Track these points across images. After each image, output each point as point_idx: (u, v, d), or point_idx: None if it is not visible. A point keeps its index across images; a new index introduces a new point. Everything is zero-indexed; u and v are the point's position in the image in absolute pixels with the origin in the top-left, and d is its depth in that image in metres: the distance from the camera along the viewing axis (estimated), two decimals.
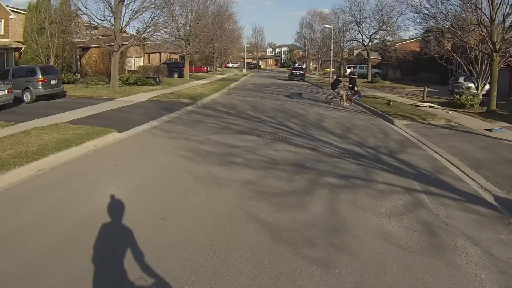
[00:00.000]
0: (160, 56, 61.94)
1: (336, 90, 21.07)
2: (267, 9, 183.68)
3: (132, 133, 10.89)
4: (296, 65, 50.53)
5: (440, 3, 18.34)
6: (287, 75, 50.74)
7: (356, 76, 24.14)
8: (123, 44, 24.08)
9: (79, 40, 27.90)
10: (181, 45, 39.46)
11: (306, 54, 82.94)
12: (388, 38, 40.57)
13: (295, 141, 10.31)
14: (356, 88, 22.17)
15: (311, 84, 39.42)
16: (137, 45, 29.64)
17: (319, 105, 20.05)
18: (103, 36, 31.74)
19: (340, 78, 22.01)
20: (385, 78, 44.13)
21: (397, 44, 44.51)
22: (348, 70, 53.11)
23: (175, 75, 42.03)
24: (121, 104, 16.67)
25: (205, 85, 30.29)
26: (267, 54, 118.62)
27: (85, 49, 33.78)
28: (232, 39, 69.39)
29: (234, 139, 10.28)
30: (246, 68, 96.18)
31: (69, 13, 23.92)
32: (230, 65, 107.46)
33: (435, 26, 21.14)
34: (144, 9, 22.49)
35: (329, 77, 42.69)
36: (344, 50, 64.09)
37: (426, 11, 19.51)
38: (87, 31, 34.88)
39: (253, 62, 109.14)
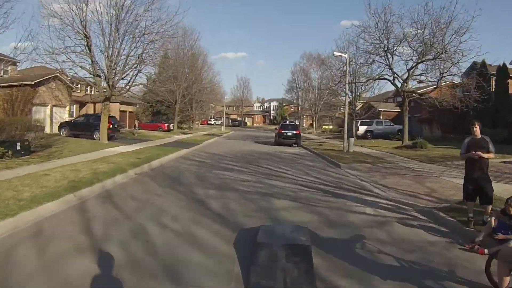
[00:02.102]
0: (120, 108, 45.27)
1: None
2: (260, 68, 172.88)
3: None
4: (287, 122, 33.97)
5: None
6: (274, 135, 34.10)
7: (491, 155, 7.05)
8: None
9: None
10: (97, 83, 22.92)
11: (299, 108, 67.45)
12: (444, 73, 24.02)
13: None
14: None
15: (312, 154, 22.38)
16: None
17: None
18: None
19: None
20: (415, 137, 27.25)
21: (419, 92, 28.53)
22: (362, 128, 36.73)
23: (97, 134, 24.86)
24: None
25: (104, 160, 13.70)
26: (254, 109, 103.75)
27: None
28: (207, 86, 53.90)
29: None
30: (228, 125, 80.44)
31: None
32: (212, 121, 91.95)
33: None
34: None
35: (340, 138, 25.95)
36: (345, 101, 48.64)
37: None
38: None
39: (238, 118, 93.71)
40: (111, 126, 25.05)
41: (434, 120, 32.47)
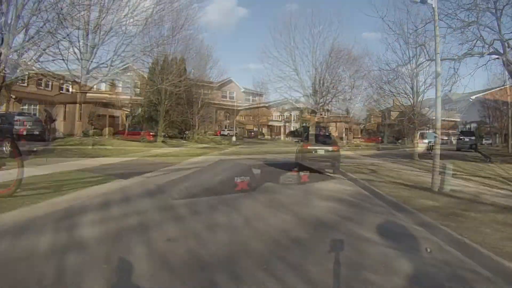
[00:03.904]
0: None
1: None
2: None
3: None
4: (318, 131, 20.61)
5: None
6: (294, 149, 19.88)
7: None
8: None
9: None
10: None
11: (323, 115, 53.17)
12: None
13: None
14: None
15: (388, 207, 8.83)
16: None
17: None
18: None
19: None
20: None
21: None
22: (424, 142, 23.17)
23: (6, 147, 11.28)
24: None
25: None
26: (273, 118, 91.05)
27: None
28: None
29: None
30: (243, 137, 68.21)
31: None
32: (226, 132, 79.39)
33: None
34: None
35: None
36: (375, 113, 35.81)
37: None
38: None
39: (254, 129, 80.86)
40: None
41: None
